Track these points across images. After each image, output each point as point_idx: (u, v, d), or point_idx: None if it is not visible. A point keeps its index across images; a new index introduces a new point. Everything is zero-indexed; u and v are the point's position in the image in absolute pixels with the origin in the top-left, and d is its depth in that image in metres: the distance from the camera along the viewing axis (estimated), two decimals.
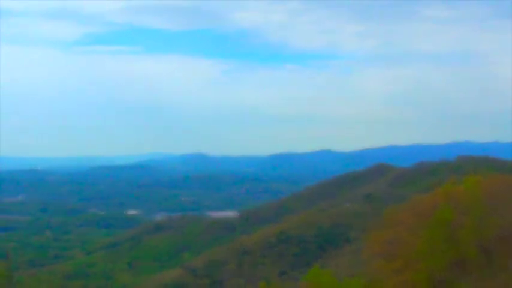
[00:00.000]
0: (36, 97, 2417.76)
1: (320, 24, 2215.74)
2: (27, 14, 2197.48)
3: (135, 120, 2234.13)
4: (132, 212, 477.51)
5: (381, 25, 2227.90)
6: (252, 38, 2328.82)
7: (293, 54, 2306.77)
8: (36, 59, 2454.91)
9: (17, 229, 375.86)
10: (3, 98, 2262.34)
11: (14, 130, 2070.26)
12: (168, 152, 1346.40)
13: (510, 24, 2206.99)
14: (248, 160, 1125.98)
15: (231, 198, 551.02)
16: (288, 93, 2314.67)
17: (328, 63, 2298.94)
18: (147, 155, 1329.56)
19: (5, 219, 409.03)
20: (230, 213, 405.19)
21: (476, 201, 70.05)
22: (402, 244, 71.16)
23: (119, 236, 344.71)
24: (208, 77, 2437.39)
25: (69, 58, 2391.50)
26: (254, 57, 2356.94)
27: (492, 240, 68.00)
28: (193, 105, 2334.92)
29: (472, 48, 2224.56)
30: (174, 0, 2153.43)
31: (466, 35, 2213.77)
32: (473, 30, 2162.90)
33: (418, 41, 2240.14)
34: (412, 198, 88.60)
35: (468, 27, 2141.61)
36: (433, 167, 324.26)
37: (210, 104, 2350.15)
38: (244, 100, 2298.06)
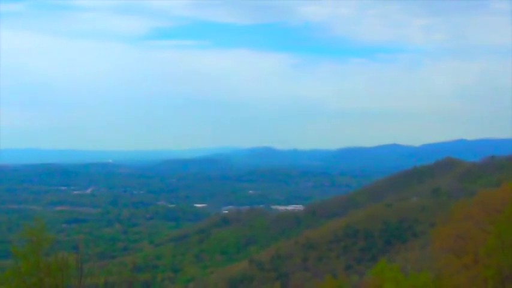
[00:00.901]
0: (107, 91, 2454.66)
1: (387, 18, 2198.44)
2: (97, 9, 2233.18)
3: (203, 114, 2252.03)
4: (200, 205, 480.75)
5: (449, 18, 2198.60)
6: (319, 32, 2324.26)
7: (360, 48, 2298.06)
8: (105, 54, 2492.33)
9: (87, 221, 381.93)
10: (75, 93, 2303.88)
11: (86, 124, 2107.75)
12: (235, 146, 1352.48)
13: None
14: (316, 154, 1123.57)
15: (297, 192, 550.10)
16: (355, 87, 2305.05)
17: (396, 57, 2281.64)
18: (216, 148, 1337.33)
19: (76, 212, 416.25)
20: (297, 207, 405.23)
21: None
22: (471, 239, 70.10)
23: (186, 228, 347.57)
24: (275, 71, 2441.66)
25: (138, 53, 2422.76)
26: (321, 51, 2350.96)
27: None
28: (260, 100, 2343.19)
29: None
30: None
31: None
32: None
33: (487, 34, 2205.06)
34: (481, 193, 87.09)
35: None
36: (502, 161, 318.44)
37: (278, 98, 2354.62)
38: (311, 94, 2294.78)
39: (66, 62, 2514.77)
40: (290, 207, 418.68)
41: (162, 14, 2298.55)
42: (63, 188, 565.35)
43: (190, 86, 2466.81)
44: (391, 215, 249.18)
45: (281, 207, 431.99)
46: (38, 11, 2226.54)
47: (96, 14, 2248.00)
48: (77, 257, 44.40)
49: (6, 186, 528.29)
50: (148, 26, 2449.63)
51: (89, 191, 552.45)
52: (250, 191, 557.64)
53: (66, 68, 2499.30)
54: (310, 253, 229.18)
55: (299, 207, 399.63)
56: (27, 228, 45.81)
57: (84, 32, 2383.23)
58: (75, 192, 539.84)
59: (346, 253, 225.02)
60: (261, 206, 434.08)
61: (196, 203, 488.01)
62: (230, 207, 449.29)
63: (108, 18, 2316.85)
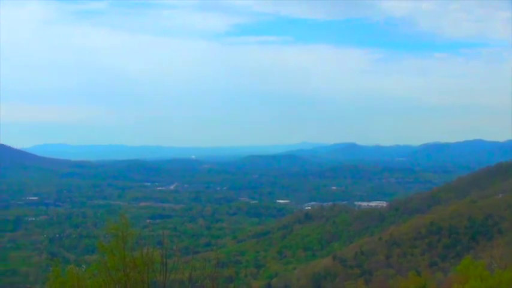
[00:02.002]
0: (189, 88, 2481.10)
1: (470, 12, 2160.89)
2: (179, 7, 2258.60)
3: (286, 110, 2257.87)
4: (282, 201, 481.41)
5: None
6: (401, 27, 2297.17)
7: (443, 43, 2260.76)
8: (187, 51, 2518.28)
9: (171, 217, 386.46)
10: (159, 90, 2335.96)
11: (169, 121, 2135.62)
12: (318, 142, 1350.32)
13: None
14: (399, 150, 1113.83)
15: (380, 188, 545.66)
16: (438, 83, 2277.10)
17: (480, 51, 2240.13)
18: (298, 144, 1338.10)
19: (161, 207, 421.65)
20: (380, 203, 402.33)
21: None
22: None
23: (269, 224, 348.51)
24: (357, 67, 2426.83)
25: (219, 49, 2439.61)
26: (404, 46, 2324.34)
27: None
28: (343, 95, 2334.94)
29: None
30: None
31: None
32: None
33: None
34: None
35: None
36: None
37: (360, 93, 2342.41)
38: (394, 89, 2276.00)
39: (148, 60, 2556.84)
40: (373, 204, 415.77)
41: (243, 10, 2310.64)
42: (147, 184, 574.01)
43: (272, 82, 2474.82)
44: (476, 211, 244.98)
45: (364, 204, 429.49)
46: (119, 8, 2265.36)
47: (178, 12, 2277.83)
48: (161, 252, 45.11)
49: (92, 182, 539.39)
50: (229, 23, 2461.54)
51: (172, 187, 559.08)
52: (333, 187, 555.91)
53: (148, 66, 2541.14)
54: (394, 250, 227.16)
55: (382, 203, 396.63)
56: (112, 223, 46.72)
57: (166, 30, 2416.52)
58: (159, 188, 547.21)
59: (430, 250, 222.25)
60: (344, 202, 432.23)
61: (279, 199, 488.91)
62: (313, 203, 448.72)
63: (190, 16, 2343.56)
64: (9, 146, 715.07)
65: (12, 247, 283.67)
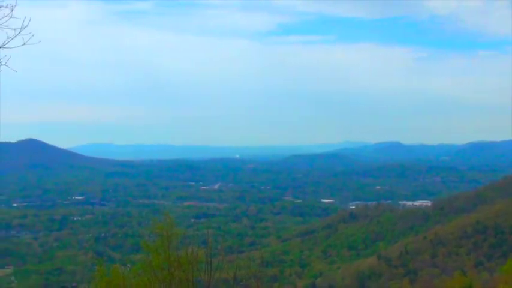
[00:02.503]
0: (233, 88, 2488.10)
1: None
2: (223, 6, 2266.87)
3: (330, 109, 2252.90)
4: (326, 200, 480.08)
5: None
6: (445, 25, 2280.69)
7: (488, 41, 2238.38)
8: (231, 51, 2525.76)
9: (215, 216, 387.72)
10: (203, 90, 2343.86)
11: (214, 121, 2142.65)
12: (362, 141, 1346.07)
13: None
14: (444, 149, 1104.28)
15: (425, 187, 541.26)
16: (484, 81, 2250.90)
17: None
18: (342, 143, 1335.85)
19: (205, 207, 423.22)
20: (424, 203, 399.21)
21: None
22: None
23: (313, 224, 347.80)
24: (401, 65, 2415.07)
25: (263, 49, 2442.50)
26: (448, 44, 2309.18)
27: None
28: (387, 94, 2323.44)
29: None
30: None
31: None
32: None
33: None
34: None
35: None
36: None
37: (404, 92, 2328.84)
38: (438, 88, 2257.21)
39: (192, 59, 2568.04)
40: (418, 203, 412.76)
41: (287, 9, 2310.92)
42: (191, 183, 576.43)
43: (315, 81, 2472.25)
44: None
45: (408, 203, 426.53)
46: (164, 9, 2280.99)
47: (222, 11, 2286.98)
48: (206, 251, 45.38)
49: (137, 182, 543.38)
50: (273, 22, 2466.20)
51: (216, 186, 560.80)
52: (377, 187, 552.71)
53: (193, 65, 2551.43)
54: (439, 249, 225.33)
55: (427, 202, 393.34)
56: (157, 223, 47.14)
57: (209, 29, 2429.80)
58: (203, 187, 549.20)
59: (476, 249, 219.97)
60: (388, 201, 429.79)
61: (323, 199, 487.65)
62: (357, 202, 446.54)
63: (233, 15, 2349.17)
64: (56, 146, 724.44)
65: (59, 246, 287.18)
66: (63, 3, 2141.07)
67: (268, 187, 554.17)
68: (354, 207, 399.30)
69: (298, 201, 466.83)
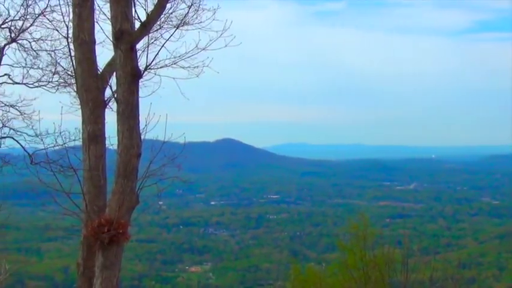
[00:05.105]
0: (426, 86, 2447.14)
1: None
2: (414, 5, 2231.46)
3: None
4: None
5: None
6: None
7: None
8: (422, 49, 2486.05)
9: (411, 217, 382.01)
10: (395, 89, 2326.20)
11: (407, 120, 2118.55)
12: None
13: None
14: None
15: None
16: None
17: None
18: None
19: (400, 207, 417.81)
20: None
21: None
22: None
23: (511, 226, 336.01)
24: None
25: (457, 46, 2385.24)
26: None
27: None
28: None
29: None
30: None
31: None
32: None
33: None
34: None
35: None
36: None
37: None
38: None
39: (384, 58, 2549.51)
40: None
41: (483, 6, 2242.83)
42: (386, 183, 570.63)
43: None
44: None
45: None
46: (356, 8, 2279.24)
47: (412, 10, 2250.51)
48: (402, 252, 45.08)
49: (332, 181, 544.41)
50: (469, 19, 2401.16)
51: (411, 186, 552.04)
52: None
53: (385, 65, 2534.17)
54: None
55: None
56: (352, 222, 47.29)
57: (402, 28, 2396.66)
58: (398, 187, 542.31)
59: None
60: None
61: None
62: None
63: (425, 13, 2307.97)
64: (252, 146, 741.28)
65: (255, 244, 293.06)
66: (261, 5, 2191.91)
67: (465, 188, 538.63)
68: None
69: (496, 202, 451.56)
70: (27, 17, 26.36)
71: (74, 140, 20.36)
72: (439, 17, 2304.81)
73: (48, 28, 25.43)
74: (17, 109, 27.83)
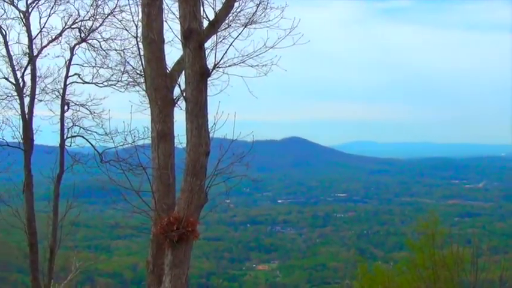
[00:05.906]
0: (496, 83, 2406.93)
1: None
2: (484, 1, 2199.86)
3: None
4: None
5: None
6: None
7: None
8: (492, 45, 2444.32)
9: (480, 215, 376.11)
10: (464, 86, 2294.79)
11: (477, 118, 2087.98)
12: None
13: None
14: None
15: None
16: None
17: None
18: None
19: (469, 205, 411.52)
20: None
21: None
22: None
23: None
24: None
25: None
26: None
27: None
28: None
29: None
30: None
31: None
32: None
33: None
34: None
35: None
36: None
37: None
38: None
39: (452, 55, 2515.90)
40: None
41: None
42: (455, 181, 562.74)
43: None
44: None
45: None
46: (423, 4, 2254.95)
47: (483, 5, 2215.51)
48: (471, 251, 44.45)
49: (399, 179, 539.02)
50: None
51: (480, 185, 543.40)
52: None
53: (452, 61, 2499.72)
54: None
55: None
56: (421, 221, 46.81)
57: (470, 24, 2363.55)
58: (467, 186, 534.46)
59: None
60: None
61: None
62: None
63: (496, 9, 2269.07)
64: (319, 144, 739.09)
65: (322, 242, 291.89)
66: (327, 3, 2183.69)
67: None
68: None
69: None
70: (97, 17, 26.71)
71: (143, 138, 20.59)
72: (506, 12, 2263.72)
73: (118, 28, 25.77)
74: (87, 108, 28.26)
